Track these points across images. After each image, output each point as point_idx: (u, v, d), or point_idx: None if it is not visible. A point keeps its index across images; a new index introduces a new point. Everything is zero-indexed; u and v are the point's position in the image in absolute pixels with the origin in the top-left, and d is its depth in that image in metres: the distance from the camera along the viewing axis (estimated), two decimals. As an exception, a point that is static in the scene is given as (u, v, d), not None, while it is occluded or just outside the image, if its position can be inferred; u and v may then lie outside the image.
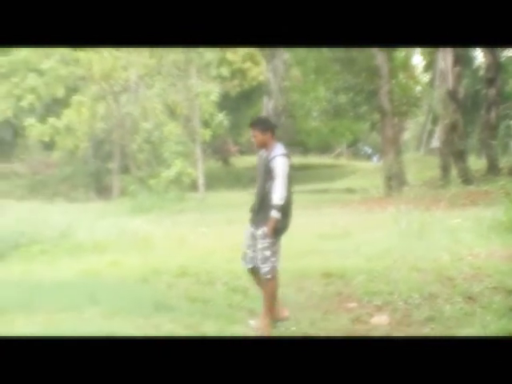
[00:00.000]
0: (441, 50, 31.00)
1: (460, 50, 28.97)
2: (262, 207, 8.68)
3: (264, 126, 8.89)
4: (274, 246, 8.75)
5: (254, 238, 8.73)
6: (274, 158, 8.59)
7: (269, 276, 8.71)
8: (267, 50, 33.20)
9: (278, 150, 8.74)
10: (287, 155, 8.78)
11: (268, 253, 8.68)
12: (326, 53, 32.66)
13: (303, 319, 9.23)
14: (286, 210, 8.68)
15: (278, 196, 8.45)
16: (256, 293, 10.57)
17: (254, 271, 8.87)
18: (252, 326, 8.69)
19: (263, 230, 8.58)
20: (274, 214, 8.49)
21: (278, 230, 8.71)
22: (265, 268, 8.68)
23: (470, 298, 9.90)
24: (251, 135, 8.95)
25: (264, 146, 8.77)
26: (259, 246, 8.66)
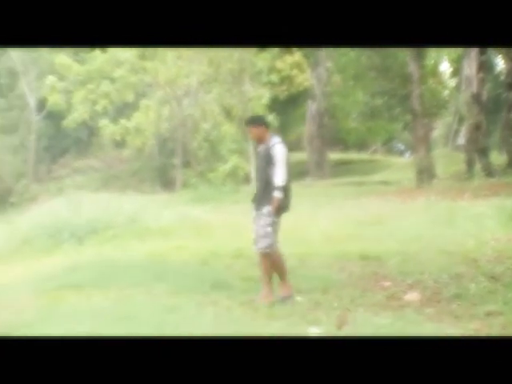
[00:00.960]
0: (466, 57, 30.73)
1: (483, 58, 28.68)
2: (265, 191, 8.77)
3: (257, 122, 9.10)
4: (275, 224, 8.82)
5: (256, 219, 8.87)
6: (273, 145, 8.74)
7: (268, 250, 8.77)
8: (312, 59, 33.14)
9: (276, 139, 8.90)
10: (284, 144, 8.92)
11: (269, 229, 8.73)
12: (364, 61, 32.52)
13: (344, 296, 9.23)
14: (286, 191, 8.82)
15: (279, 178, 8.61)
16: (301, 272, 10.65)
17: (267, 255, 8.86)
18: (255, 300, 8.73)
19: (267, 209, 8.67)
20: (278, 194, 8.63)
21: (281, 209, 8.81)
22: (264, 242, 8.75)
23: (493, 278, 9.86)
24: (249, 133, 9.28)
25: (261, 139, 8.92)
26: (262, 222, 8.73)
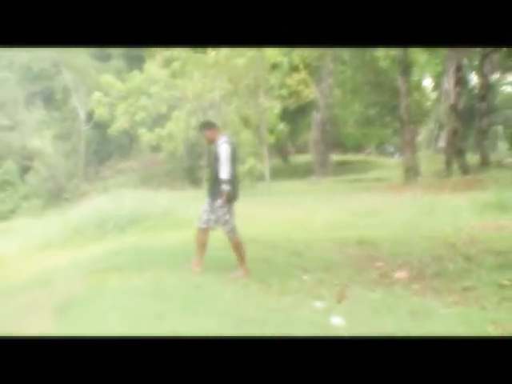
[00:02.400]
0: (445, 74, 30.70)
1: (460, 74, 28.66)
2: (215, 185, 8.90)
3: (208, 125, 9.22)
4: (230, 210, 9.03)
5: (210, 206, 8.95)
6: (219, 145, 8.86)
7: (231, 233, 9.04)
8: (316, 76, 33.08)
9: (223, 139, 8.99)
10: (229, 142, 9.00)
11: (227, 217, 8.97)
12: (360, 77, 32.50)
13: (343, 275, 9.23)
14: (233, 183, 8.96)
15: (225, 173, 8.76)
16: (307, 255, 10.64)
17: (205, 231, 9.05)
18: (232, 277, 8.81)
19: (219, 202, 8.86)
20: (225, 187, 8.80)
21: (230, 199, 8.98)
22: (227, 228, 9.01)
23: (468, 258, 9.84)
24: (203, 135, 9.27)
25: (212, 140, 9.05)
26: (219, 213, 8.91)
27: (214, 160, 8.88)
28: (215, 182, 8.90)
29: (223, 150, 8.85)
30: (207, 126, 9.23)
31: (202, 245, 9.06)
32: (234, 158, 9.10)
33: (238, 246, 9.10)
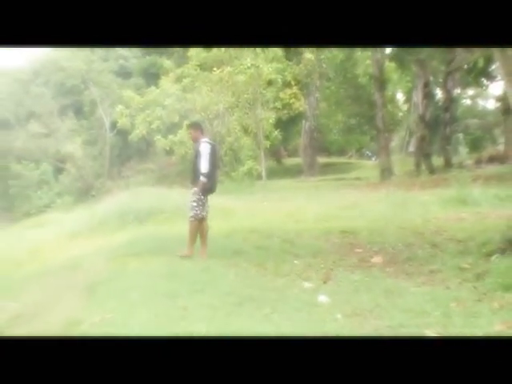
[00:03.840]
0: (414, 89, 30.82)
1: (427, 89, 28.71)
2: (195, 177, 8.89)
3: (194, 126, 9.27)
4: (200, 200, 8.92)
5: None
6: (200, 144, 8.89)
7: (192, 219, 8.94)
8: (305, 91, 33.04)
9: (204, 139, 9.02)
10: (210, 142, 9.04)
11: (194, 204, 8.91)
12: (342, 92, 32.58)
13: (328, 260, 9.22)
14: (211, 176, 8.93)
15: (203, 167, 8.77)
16: (298, 242, 10.63)
17: (198, 224, 9.04)
18: (179, 254, 8.78)
19: (194, 190, 8.87)
20: (202, 179, 8.79)
21: (206, 190, 8.96)
22: (191, 213, 8.95)
23: (434, 245, 9.82)
24: (189, 133, 9.48)
25: (196, 139, 9.02)
26: (190, 199, 8.98)
27: (196, 157, 8.88)
28: (196, 175, 8.90)
29: (203, 147, 8.87)
30: (192, 126, 9.32)
31: (194, 233, 9.03)
32: (214, 157, 9.09)
33: (192, 231, 9.00)
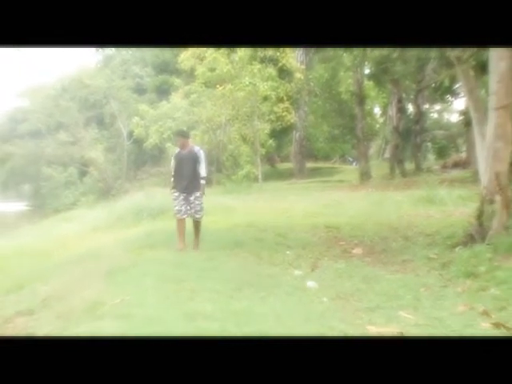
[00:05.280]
0: (389, 104, 30.93)
1: (400, 105, 28.80)
2: (193, 181, 8.52)
3: (183, 134, 8.86)
4: (202, 201, 8.68)
5: (186, 199, 8.52)
6: (199, 151, 8.59)
7: (200, 218, 8.71)
8: (295, 105, 33.06)
9: (197, 147, 8.80)
10: (203, 150, 8.82)
11: (202, 206, 8.64)
12: (327, 106, 32.56)
13: (315, 251, 9.23)
14: (207, 180, 8.91)
15: (204, 171, 8.56)
16: (290, 236, 10.62)
17: (184, 220, 8.62)
18: (178, 248, 8.51)
19: (196, 194, 8.51)
20: (204, 182, 8.58)
21: (204, 191, 8.69)
22: (199, 215, 8.65)
23: (406, 239, 9.84)
24: (177, 140, 8.87)
25: (184, 146, 8.60)
26: (196, 203, 8.53)
27: (194, 162, 8.52)
28: (193, 179, 8.54)
29: (202, 154, 8.63)
30: (182, 134, 8.92)
31: (184, 230, 8.66)
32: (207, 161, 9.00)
33: (199, 227, 8.81)
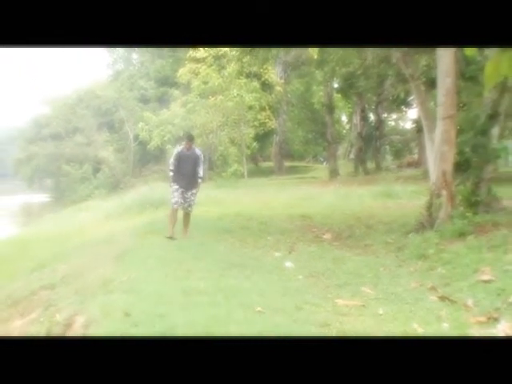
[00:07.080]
0: (354, 113, 31.06)
1: (363, 114, 28.92)
2: (192, 179, 8.41)
3: (190, 138, 8.70)
4: (196, 198, 8.62)
5: (184, 194, 8.35)
6: (200, 154, 8.56)
7: (191, 211, 8.60)
8: (276, 114, 33.03)
9: (199, 150, 8.78)
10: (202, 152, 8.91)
11: (195, 201, 8.60)
12: (303, 114, 32.63)
13: (292, 237, 9.23)
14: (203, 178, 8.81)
15: (202, 172, 8.57)
16: (271, 224, 10.62)
17: (177, 211, 8.44)
18: (169, 234, 8.23)
19: (192, 191, 8.43)
20: (200, 181, 8.58)
21: (199, 189, 8.66)
22: (191, 208, 8.53)
23: (368, 227, 9.88)
24: (186, 143, 8.58)
25: (189, 148, 8.44)
26: (192, 198, 8.44)
27: (195, 163, 8.40)
28: (192, 178, 8.41)
29: (202, 157, 8.63)
30: (190, 137, 8.76)
31: (175, 220, 8.46)
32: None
33: (189, 218, 8.66)
